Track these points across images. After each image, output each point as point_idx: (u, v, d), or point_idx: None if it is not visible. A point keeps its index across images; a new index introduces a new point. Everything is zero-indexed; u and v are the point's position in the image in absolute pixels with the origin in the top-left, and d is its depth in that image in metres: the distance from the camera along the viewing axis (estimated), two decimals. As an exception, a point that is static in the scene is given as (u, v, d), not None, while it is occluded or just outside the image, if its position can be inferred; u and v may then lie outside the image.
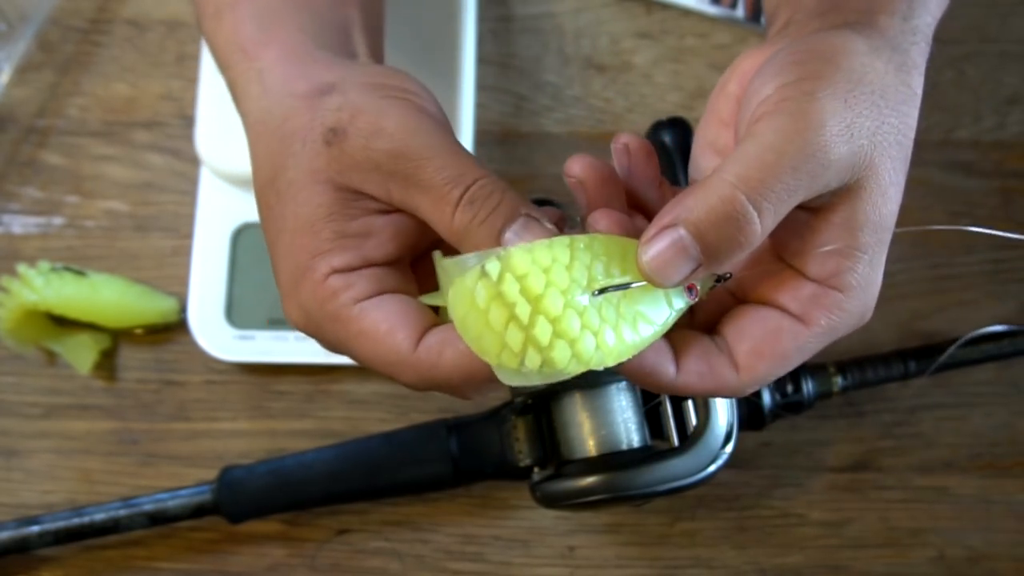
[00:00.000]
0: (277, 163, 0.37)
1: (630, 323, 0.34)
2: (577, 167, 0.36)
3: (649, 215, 0.38)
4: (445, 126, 0.37)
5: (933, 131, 0.63)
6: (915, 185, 0.65)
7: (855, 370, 0.56)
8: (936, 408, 0.60)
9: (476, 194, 0.35)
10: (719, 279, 0.36)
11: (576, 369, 0.33)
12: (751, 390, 0.36)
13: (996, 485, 0.59)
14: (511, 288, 0.33)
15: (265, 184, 0.38)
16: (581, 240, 0.34)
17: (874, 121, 0.34)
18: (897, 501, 0.59)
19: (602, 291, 0.34)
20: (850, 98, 0.33)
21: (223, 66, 0.42)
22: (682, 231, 0.32)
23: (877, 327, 0.61)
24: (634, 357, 0.35)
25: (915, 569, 0.59)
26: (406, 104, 0.37)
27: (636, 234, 0.35)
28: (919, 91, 0.37)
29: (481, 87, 0.64)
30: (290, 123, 0.37)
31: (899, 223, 0.36)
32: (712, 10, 0.65)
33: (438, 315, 0.37)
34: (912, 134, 0.36)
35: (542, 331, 0.33)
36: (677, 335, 0.37)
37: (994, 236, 0.62)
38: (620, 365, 0.35)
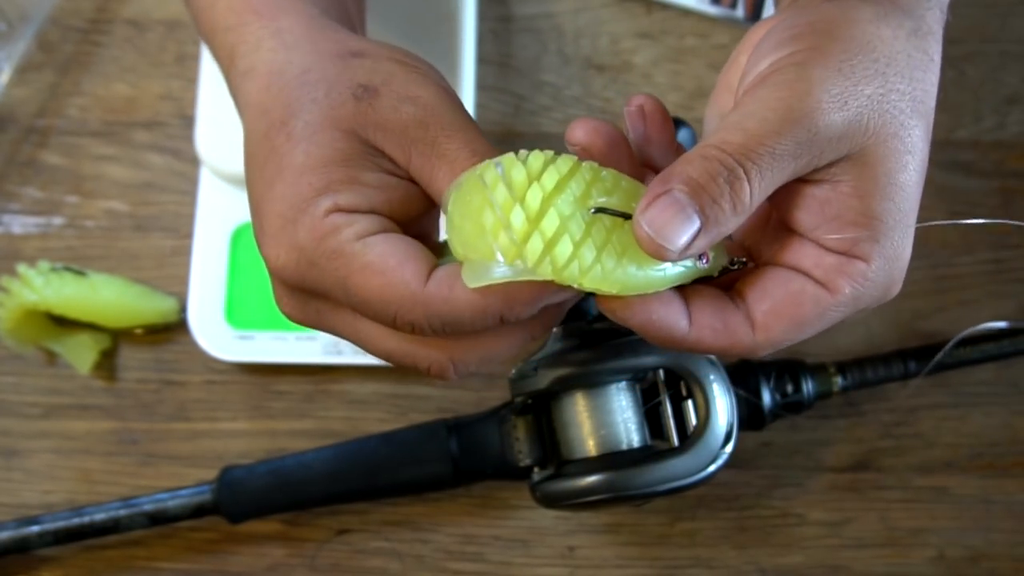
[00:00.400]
0: (292, 107, 0.36)
1: (615, 255, 0.33)
2: (580, 132, 0.35)
3: None
4: (464, 107, 0.38)
5: (933, 131, 0.63)
6: (915, 185, 0.64)
7: (855, 370, 0.56)
8: (936, 408, 0.60)
9: None
10: (733, 262, 0.36)
11: (546, 272, 0.32)
12: (765, 352, 0.35)
13: (996, 485, 0.59)
14: (492, 175, 0.33)
15: (273, 125, 0.37)
16: (589, 164, 0.34)
17: (877, 88, 0.33)
18: (897, 501, 0.59)
19: (599, 211, 0.33)
20: (845, 67, 0.33)
21: (223, 28, 0.41)
22: (676, 192, 0.32)
23: (877, 327, 0.61)
24: (638, 305, 0.34)
25: (915, 569, 0.59)
26: (434, 81, 0.37)
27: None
28: (937, 57, 0.36)
29: (481, 87, 0.64)
30: (313, 74, 0.37)
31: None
32: (712, 10, 0.65)
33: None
34: (932, 100, 0.35)
35: (516, 218, 0.32)
36: (690, 289, 0.36)
37: (994, 236, 0.62)
38: (624, 315, 0.34)
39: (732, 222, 0.33)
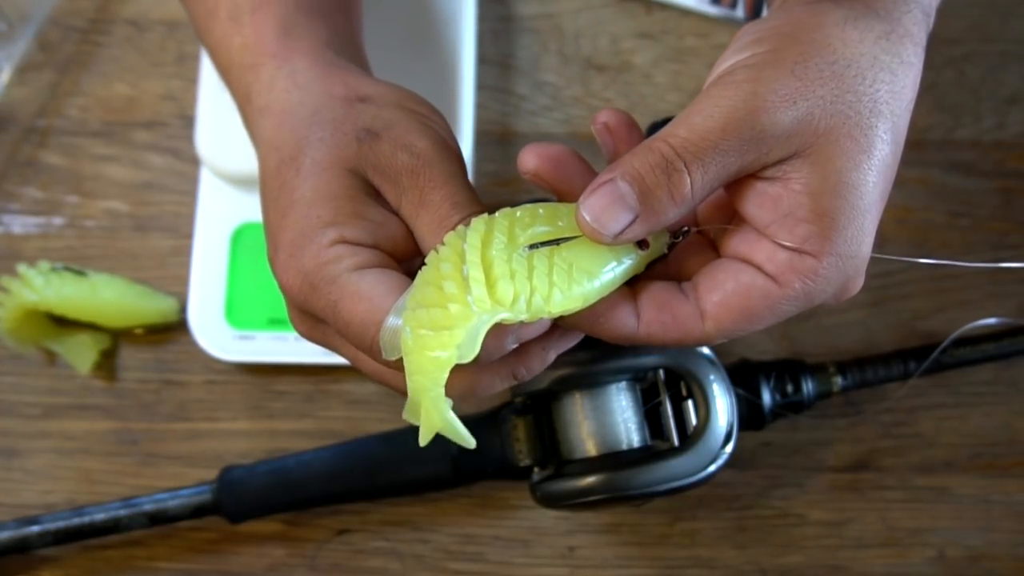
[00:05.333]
0: (301, 145, 0.39)
1: (565, 274, 0.35)
2: (529, 160, 0.37)
3: None
4: (460, 156, 0.40)
5: (933, 131, 0.63)
6: (915, 185, 0.65)
7: (855, 370, 0.56)
8: (936, 408, 0.60)
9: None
10: (677, 234, 0.37)
11: (521, 313, 0.34)
12: (719, 340, 0.37)
13: (996, 485, 0.59)
14: (446, 252, 0.35)
15: (284, 161, 0.39)
16: (501, 211, 0.36)
17: (831, 90, 0.34)
18: (897, 501, 0.59)
19: (532, 247, 0.35)
20: (798, 68, 0.34)
21: (239, 65, 0.43)
22: (617, 180, 0.34)
23: (877, 327, 0.61)
24: (586, 313, 0.35)
25: (915, 569, 0.59)
26: (433, 131, 0.40)
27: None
28: (914, 60, 0.37)
29: (481, 87, 0.64)
30: (322, 114, 0.39)
31: (898, 228, 0.36)
32: (712, 10, 0.65)
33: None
34: (902, 101, 0.36)
35: (477, 290, 0.33)
36: (640, 285, 0.37)
37: (994, 236, 0.62)
38: (574, 318, 0.36)
39: (671, 212, 0.34)
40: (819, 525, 0.59)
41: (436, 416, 0.34)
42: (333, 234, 0.37)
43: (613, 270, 0.35)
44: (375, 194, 0.39)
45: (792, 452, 0.60)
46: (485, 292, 0.33)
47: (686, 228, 0.37)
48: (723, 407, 0.48)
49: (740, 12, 0.65)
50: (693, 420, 0.49)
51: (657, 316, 0.36)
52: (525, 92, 0.65)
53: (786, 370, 0.55)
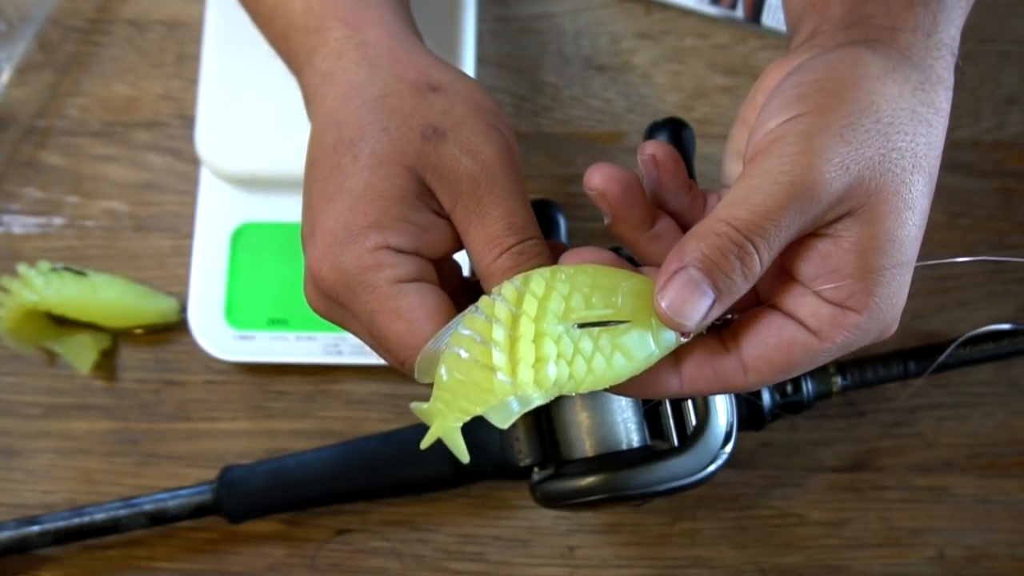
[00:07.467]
0: (365, 128, 0.38)
1: (605, 356, 0.35)
2: (597, 179, 0.37)
3: (679, 220, 0.39)
4: (520, 169, 0.40)
5: (933, 131, 0.63)
6: (915, 185, 0.63)
7: (855, 370, 0.56)
8: (936, 408, 0.60)
9: (526, 249, 0.38)
10: (720, 319, 0.37)
11: (553, 393, 0.35)
12: (760, 387, 0.38)
13: (996, 485, 0.59)
14: (482, 324, 0.35)
15: (344, 142, 0.39)
16: (563, 271, 0.36)
17: (878, 150, 0.34)
18: (897, 501, 0.59)
19: (583, 325, 0.35)
20: (847, 132, 0.34)
21: (301, 27, 0.42)
22: (691, 270, 0.34)
23: (877, 327, 0.61)
24: (627, 382, 0.36)
25: (915, 569, 0.59)
26: (503, 137, 0.39)
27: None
28: (945, 106, 0.37)
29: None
30: (390, 100, 0.39)
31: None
32: (712, 10, 0.65)
33: None
34: (936, 150, 0.36)
35: (525, 369, 0.35)
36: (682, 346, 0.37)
37: (993, 237, 0.62)
38: (614, 390, 0.37)
39: (743, 290, 0.34)
40: (819, 525, 0.59)
41: (443, 431, 0.36)
42: (377, 238, 0.37)
43: (650, 357, 0.36)
44: (426, 194, 0.39)
45: (792, 452, 0.60)
46: (532, 376, 0.35)
47: (729, 316, 0.37)
48: (722, 407, 0.48)
49: (740, 12, 0.65)
50: (692, 420, 0.49)
51: (699, 374, 0.37)
52: (525, 92, 0.65)
53: (786, 370, 0.55)
